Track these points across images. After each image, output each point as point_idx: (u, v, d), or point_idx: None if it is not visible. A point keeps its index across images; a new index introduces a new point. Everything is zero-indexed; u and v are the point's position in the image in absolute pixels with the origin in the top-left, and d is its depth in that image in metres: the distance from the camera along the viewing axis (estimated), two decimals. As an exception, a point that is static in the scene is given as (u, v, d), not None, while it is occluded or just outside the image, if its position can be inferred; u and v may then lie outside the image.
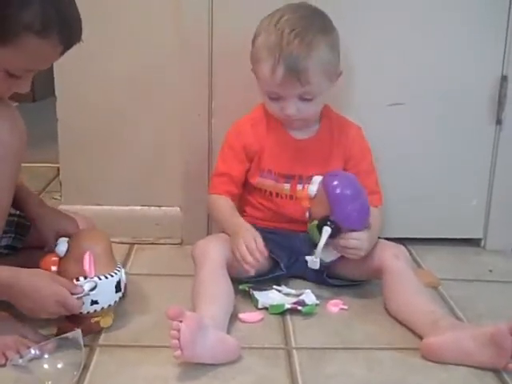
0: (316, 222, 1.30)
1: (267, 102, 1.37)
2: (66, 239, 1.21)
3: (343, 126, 1.45)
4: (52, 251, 1.21)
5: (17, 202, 1.23)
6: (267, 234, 1.36)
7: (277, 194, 1.41)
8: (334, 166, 1.41)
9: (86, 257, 1.16)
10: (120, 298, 1.20)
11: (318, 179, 1.33)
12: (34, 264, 1.17)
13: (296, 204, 1.38)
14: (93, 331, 1.19)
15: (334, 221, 1.28)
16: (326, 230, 1.28)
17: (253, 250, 1.26)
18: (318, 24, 1.32)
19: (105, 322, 1.19)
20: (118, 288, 1.19)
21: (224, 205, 1.41)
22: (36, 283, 1.10)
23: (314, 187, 1.32)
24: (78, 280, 1.14)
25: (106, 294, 1.17)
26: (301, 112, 1.34)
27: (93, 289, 1.14)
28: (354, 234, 1.29)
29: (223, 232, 1.38)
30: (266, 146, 1.41)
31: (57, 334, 1.13)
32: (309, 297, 1.33)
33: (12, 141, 1.09)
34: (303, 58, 1.28)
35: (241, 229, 1.31)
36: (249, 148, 1.41)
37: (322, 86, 1.33)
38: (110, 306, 1.18)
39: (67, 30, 1.03)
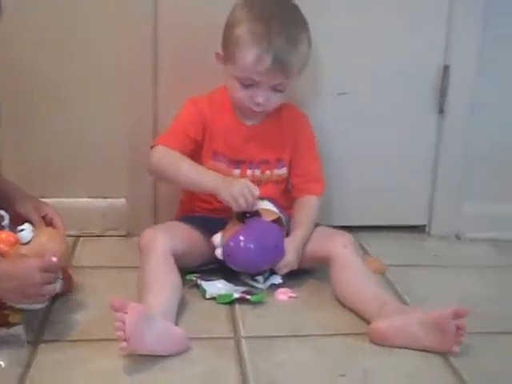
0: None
1: (235, 87, 1.34)
2: (32, 228, 1.16)
3: (292, 112, 1.46)
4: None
5: None
6: (216, 224, 1.35)
7: None
8: (283, 152, 1.43)
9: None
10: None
11: (218, 236, 1.32)
12: None
13: None
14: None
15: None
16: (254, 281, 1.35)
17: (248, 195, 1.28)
18: (299, 18, 1.34)
19: (14, 318, 1.12)
20: None
21: (182, 157, 1.34)
22: (13, 261, 1.08)
23: (218, 250, 1.31)
24: None
25: None
26: (269, 102, 1.34)
27: None
28: (280, 264, 1.33)
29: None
30: (217, 125, 1.39)
31: None
32: (257, 285, 1.34)
33: None
34: (291, 52, 1.30)
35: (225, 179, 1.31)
36: (203, 116, 1.38)
37: (295, 80, 1.35)
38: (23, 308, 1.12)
39: None
